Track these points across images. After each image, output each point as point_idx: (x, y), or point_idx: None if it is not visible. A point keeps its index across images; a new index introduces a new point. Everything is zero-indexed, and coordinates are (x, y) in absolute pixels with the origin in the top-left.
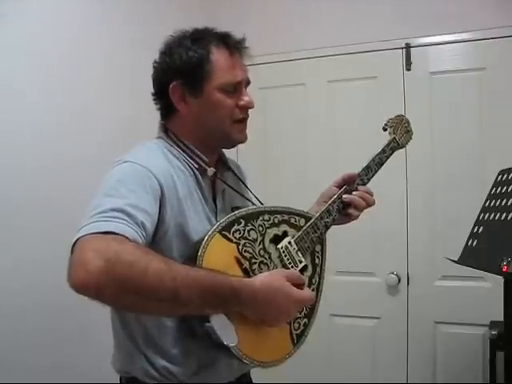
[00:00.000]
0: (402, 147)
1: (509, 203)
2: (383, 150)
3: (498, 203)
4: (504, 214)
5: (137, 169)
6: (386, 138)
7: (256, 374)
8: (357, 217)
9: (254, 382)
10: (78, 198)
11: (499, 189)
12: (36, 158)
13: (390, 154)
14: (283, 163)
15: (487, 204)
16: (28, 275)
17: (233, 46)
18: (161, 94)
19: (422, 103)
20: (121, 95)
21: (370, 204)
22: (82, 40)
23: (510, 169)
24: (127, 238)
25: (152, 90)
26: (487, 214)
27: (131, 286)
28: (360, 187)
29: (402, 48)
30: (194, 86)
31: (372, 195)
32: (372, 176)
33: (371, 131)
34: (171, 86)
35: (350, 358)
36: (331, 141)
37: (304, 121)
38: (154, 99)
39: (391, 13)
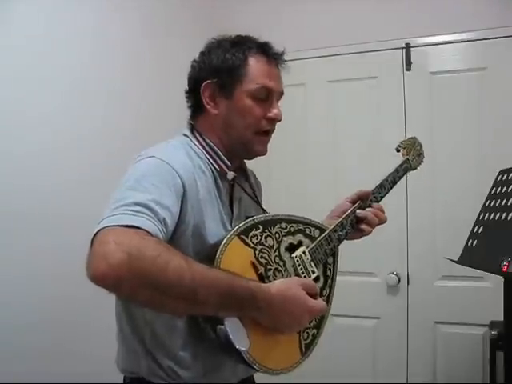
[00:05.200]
0: (413, 169)
1: (509, 203)
2: (396, 171)
3: (498, 203)
4: (504, 214)
5: (162, 165)
6: (384, 140)
7: (256, 373)
8: (368, 233)
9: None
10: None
11: (499, 189)
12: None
13: (403, 175)
14: (283, 163)
15: (487, 204)
16: (29, 276)
17: (271, 55)
18: (193, 91)
19: (422, 103)
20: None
21: (382, 221)
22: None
23: (510, 169)
24: (149, 233)
25: (186, 88)
26: (487, 214)
27: (151, 282)
28: (373, 204)
29: (402, 48)
30: (225, 86)
31: (384, 212)
32: (385, 194)
33: (371, 131)
34: (204, 83)
35: (350, 357)
36: (331, 141)
37: (304, 121)
38: (187, 97)
39: (391, 13)
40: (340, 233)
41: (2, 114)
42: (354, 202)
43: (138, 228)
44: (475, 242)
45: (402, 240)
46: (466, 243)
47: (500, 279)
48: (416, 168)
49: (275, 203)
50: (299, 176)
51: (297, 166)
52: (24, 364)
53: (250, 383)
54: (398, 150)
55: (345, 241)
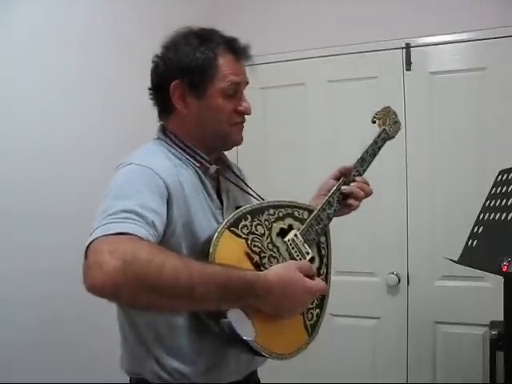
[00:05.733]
0: (391, 138)
1: (509, 203)
2: (375, 142)
3: (498, 203)
4: (504, 214)
5: (142, 170)
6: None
7: (260, 372)
8: (356, 207)
9: (262, 381)
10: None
11: (499, 189)
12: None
13: (382, 145)
14: (283, 163)
15: (487, 204)
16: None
17: (239, 52)
18: (159, 89)
19: (422, 103)
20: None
21: (368, 193)
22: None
23: (510, 169)
24: (141, 238)
25: (149, 85)
26: (487, 214)
27: (148, 285)
28: (357, 178)
29: (402, 48)
30: (196, 87)
31: (369, 185)
32: (367, 167)
33: (371, 131)
34: (173, 83)
35: (350, 357)
36: (331, 141)
37: (304, 121)
38: (151, 94)
39: (391, 13)
40: (328, 211)
41: (1, 111)
42: (337, 179)
43: (129, 234)
44: (475, 242)
45: (402, 240)
46: (466, 243)
47: (500, 279)
48: (394, 136)
49: None
50: (299, 176)
51: (296, 166)
52: (24, 361)
53: (254, 381)
54: (374, 122)
55: (345, 240)
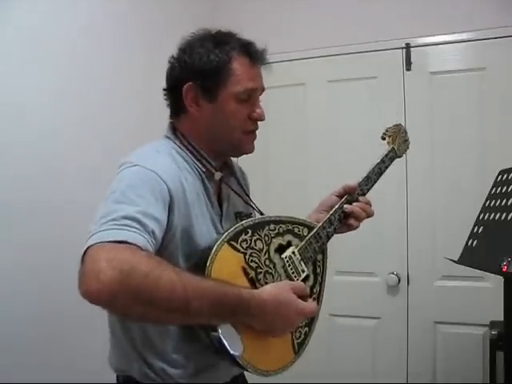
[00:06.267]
0: (399, 157)
1: (509, 203)
2: (382, 161)
3: (498, 203)
4: (504, 214)
5: (146, 174)
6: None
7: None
8: (356, 227)
9: (251, 381)
10: (83, 204)
11: (499, 189)
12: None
13: (389, 164)
14: (283, 163)
15: (487, 204)
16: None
17: (254, 56)
18: (173, 90)
19: (422, 103)
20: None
21: (369, 215)
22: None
23: (510, 169)
24: (139, 247)
25: (164, 85)
26: (487, 214)
27: (144, 297)
28: (361, 198)
29: (402, 48)
30: (209, 90)
31: (371, 206)
32: (371, 186)
33: (371, 131)
34: (186, 86)
35: (350, 358)
36: (331, 141)
37: (304, 121)
38: (165, 94)
39: (391, 13)
40: (328, 229)
41: (1, 108)
42: (340, 196)
43: (128, 243)
44: (475, 242)
45: (401, 240)
46: (466, 243)
47: (500, 279)
48: (402, 156)
49: (275, 203)
50: (299, 176)
51: (297, 166)
52: (24, 356)
53: (241, 381)
54: (384, 139)
55: (345, 240)
